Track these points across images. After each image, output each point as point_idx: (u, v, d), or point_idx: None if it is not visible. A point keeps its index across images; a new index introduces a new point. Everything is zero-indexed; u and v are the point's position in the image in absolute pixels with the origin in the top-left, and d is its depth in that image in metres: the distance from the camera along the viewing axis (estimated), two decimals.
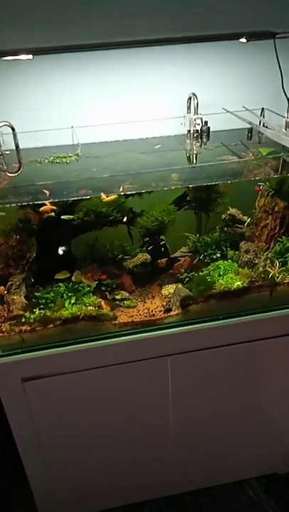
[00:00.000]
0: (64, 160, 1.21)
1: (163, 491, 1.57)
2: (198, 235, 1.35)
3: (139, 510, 1.55)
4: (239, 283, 1.18)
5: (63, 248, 1.16)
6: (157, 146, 1.29)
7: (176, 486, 1.57)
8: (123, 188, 1.04)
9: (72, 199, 1.07)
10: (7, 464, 1.61)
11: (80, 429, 1.30)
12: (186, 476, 1.54)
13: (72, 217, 1.12)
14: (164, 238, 1.31)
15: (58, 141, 1.30)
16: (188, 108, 1.35)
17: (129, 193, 1.04)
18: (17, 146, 1.27)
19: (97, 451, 1.38)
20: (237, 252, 1.25)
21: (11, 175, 1.18)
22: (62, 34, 1.15)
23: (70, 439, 1.32)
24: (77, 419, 1.27)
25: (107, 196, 1.03)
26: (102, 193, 1.02)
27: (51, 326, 1.13)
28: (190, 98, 1.33)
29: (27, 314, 1.12)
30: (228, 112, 1.37)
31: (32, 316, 1.12)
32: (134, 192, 1.04)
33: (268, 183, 1.23)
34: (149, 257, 1.33)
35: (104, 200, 1.04)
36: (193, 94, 1.30)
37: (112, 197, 1.03)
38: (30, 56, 0.99)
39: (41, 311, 1.12)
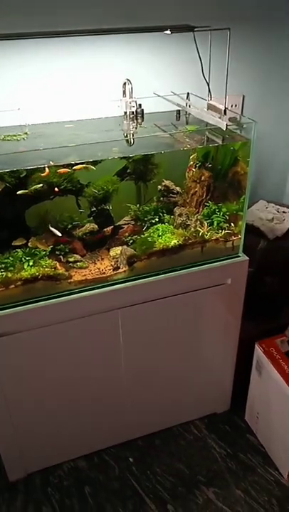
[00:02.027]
0: (14, 138, 1.33)
1: (119, 437, 1.75)
2: (138, 205, 1.53)
3: (99, 457, 1.73)
4: (175, 241, 1.39)
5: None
6: (68, 126, 1.45)
7: (131, 432, 1.76)
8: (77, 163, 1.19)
9: (29, 167, 1.20)
10: None
11: (41, 382, 1.43)
12: (138, 422, 1.74)
13: (27, 191, 1.24)
14: (109, 209, 1.48)
15: (7, 122, 1.42)
16: (124, 92, 1.52)
17: (78, 161, 1.19)
18: None
19: (57, 405, 1.51)
20: (172, 216, 1.45)
21: None
22: (9, 23, 1.27)
23: (32, 393, 1.45)
24: (39, 372, 1.41)
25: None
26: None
27: (13, 286, 1.26)
28: (125, 83, 1.50)
29: None
30: (158, 96, 1.56)
31: None
32: (83, 161, 1.20)
33: (194, 155, 1.44)
34: (96, 226, 1.48)
35: (59, 171, 1.19)
36: (128, 79, 1.47)
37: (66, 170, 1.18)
38: None
39: (3, 273, 1.24)
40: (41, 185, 1.25)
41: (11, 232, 1.31)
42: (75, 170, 1.22)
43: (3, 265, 1.26)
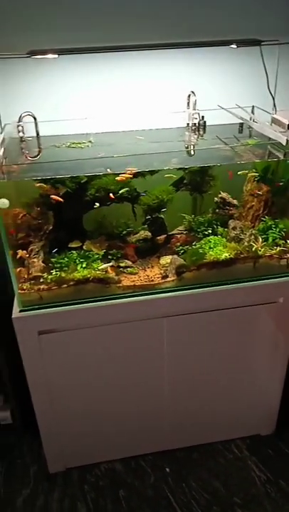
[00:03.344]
0: (79, 145, 1.41)
1: (157, 446, 1.75)
2: (193, 216, 1.53)
3: (136, 462, 1.74)
4: (227, 254, 1.37)
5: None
6: (140, 137, 1.48)
7: (170, 442, 1.75)
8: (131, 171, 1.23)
9: (89, 174, 1.27)
10: (21, 421, 1.81)
11: (85, 381, 1.48)
12: (178, 433, 1.72)
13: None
14: (163, 217, 1.50)
15: (75, 130, 1.50)
16: (188, 104, 1.54)
17: (136, 170, 1.23)
18: (37, 134, 1.47)
19: (99, 406, 1.55)
20: (226, 229, 1.44)
21: (31, 158, 1.38)
22: (83, 38, 1.35)
23: (75, 391, 1.49)
24: (83, 371, 1.45)
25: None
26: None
27: (65, 286, 1.32)
28: (189, 95, 1.52)
29: (45, 275, 1.31)
30: (222, 108, 1.56)
31: (49, 277, 1.31)
32: (139, 170, 1.24)
33: (254, 169, 1.42)
34: (150, 234, 1.51)
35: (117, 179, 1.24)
36: (192, 92, 1.50)
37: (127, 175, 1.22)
38: (56, 55, 1.18)
39: (57, 272, 1.31)
40: (127, 189, 1.31)
41: (68, 234, 1.37)
42: (126, 179, 1.26)
43: (58, 265, 1.32)
